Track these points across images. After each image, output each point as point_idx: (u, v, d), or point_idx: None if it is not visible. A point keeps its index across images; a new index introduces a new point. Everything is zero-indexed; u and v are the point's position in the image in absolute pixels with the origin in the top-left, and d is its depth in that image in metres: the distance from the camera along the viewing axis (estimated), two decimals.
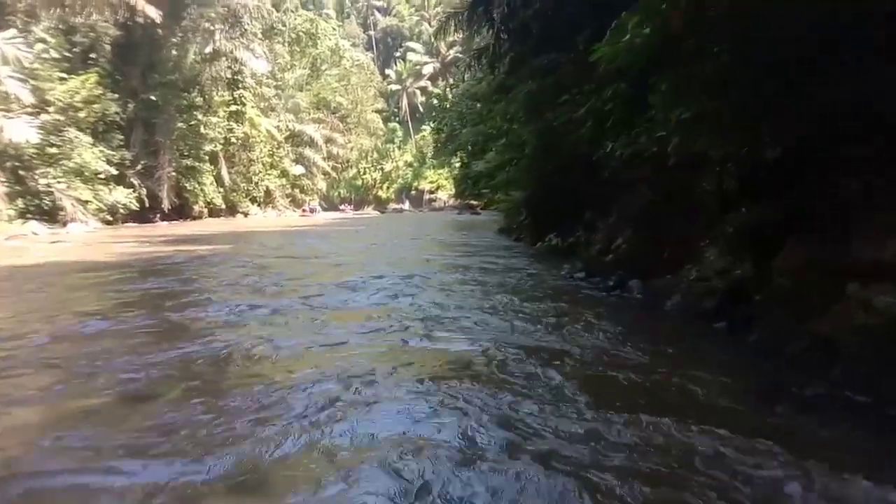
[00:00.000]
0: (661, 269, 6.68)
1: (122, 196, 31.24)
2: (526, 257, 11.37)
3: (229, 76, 41.00)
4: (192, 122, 36.50)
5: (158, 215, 34.83)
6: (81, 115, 28.85)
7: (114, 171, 30.62)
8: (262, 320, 5.97)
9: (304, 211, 56.31)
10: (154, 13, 29.22)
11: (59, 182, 26.73)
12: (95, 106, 29.82)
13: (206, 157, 39.09)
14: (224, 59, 39.27)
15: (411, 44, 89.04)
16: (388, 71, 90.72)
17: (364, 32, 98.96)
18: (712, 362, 4.37)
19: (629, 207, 8.09)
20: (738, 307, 5.19)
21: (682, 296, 5.87)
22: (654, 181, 7.39)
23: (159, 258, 12.97)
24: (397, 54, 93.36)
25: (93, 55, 31.33)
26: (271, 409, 3.42)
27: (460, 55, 72.44)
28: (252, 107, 45.86)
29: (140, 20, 30.20)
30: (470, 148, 33.99)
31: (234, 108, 42.19)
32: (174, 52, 35.45)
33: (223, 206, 41.59)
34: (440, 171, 76.97)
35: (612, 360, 4.35)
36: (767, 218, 5.48)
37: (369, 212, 70.96)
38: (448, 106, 43.15)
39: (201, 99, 37.76)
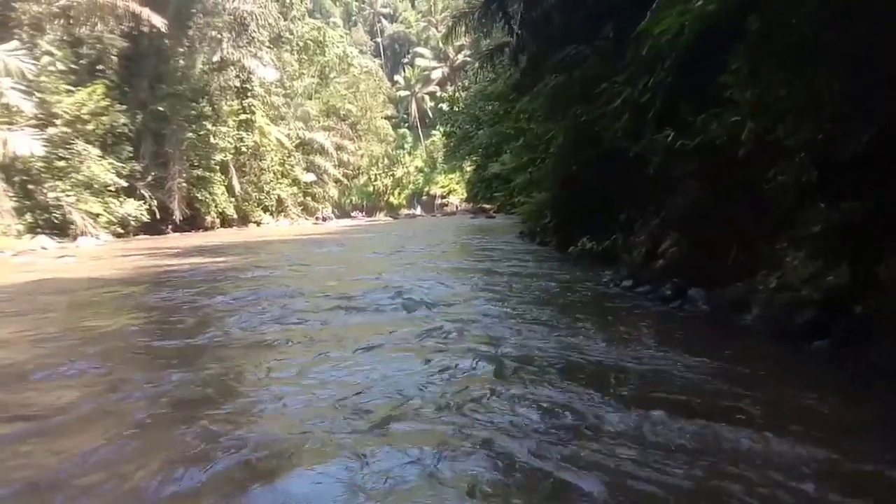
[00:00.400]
0: (727, 275, 5.79)
1: (132, 208, 30.71)
2: (558, 263, 10.47)
3: (238, 85, 40.45)
4: (202, 132, 35.88)
5: (170, 226, 34.30)
6: (89, 127, 28.30)
7: (124, 184, 30.15)
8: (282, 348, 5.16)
9: (316, 219, 55.74)
10: (160, 22, 28.65)
11: (68, 195, 26.17)
12: (103, 118, 29.30)
13: (217, 167, 38.53)
14: (232, 67, 38.74)
15: (419, 49, 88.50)
16: (396, 77, 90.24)
17: (371, 40, 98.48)
18: (826, 391, 3.52)
19: (677, 206, 7.20)
20: (839, 322, 4.32)
21: (763, 308, 4.98)
22: (710, 175, 6.51)
23: (168, 272, 12.20)
24: (405, 60, 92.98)
25: (100, 67, 30.82)
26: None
27: (469, 59, 72.02)
28: (262, 115, 45.29)
29: (146, 30, 29.62)
30: (482, 151, 33.26)
31: (243, 117, 41.58)
32: (181, 62, 34.87)
33: (235, 216, 40.99)
34: (451, 175, 76.47)
35: (711, 397, 3.48)
36: (859, 216, 4.62)
37: (382, 218, 70.27)
38: (460, 108, 42.29)
39: (210, 108, 37.13)
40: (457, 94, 52.27)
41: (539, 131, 13.64)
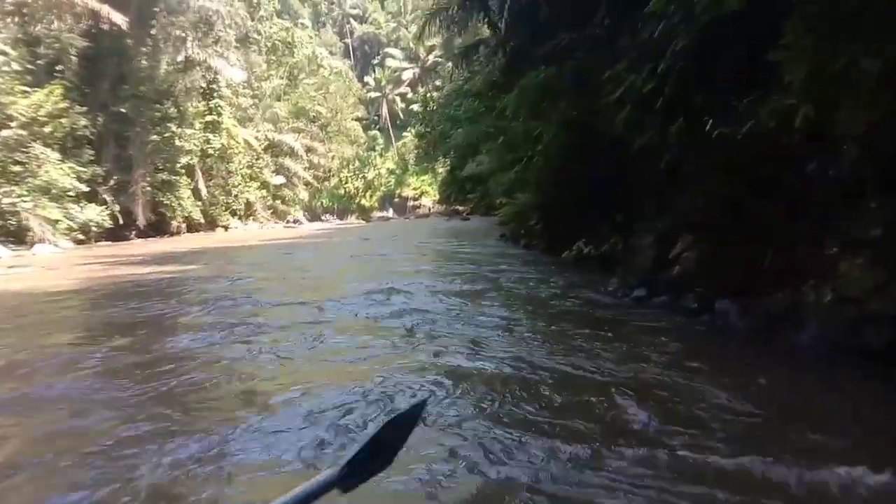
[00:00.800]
0: (761, 284, 5.03)
1: (94, 214, 29.32)
2: (550, 268, 9.61)
3: (204, 86, 39.19)
4: (167, 135, 34.44)
5: (134, 232, 32.93)
6: (47, 129, 26.94)
7: (85, 188, 28.74)
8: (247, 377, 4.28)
9: (288, 222, 54.57)
10: (120, 19, 27.41)
11: (24, 201, 24.78)
12: (63, 120, 27.95)
13: (183, 171, 37.10)
14: (198, 68, 37.42)
15: (390, 50, 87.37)
16: (366, 78, 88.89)
17: (341, 41, 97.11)
18: None
19: (694, 204, 6.43)
20: None
21: (819, 325, 4.22)
22: (738, 168, 5.75)
23: (125, 283, 11.17)
24: (375, 61, 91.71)
25: (59, 67, 29.35)
26: None
27: (440, 59, 71.26)
28: (229, 117, 44.00)
29: (106, 27, 28.28)
30: (457, 151, 32.42)
31: (210, 118, 40.27)
32: (144, 63, 33.38)
33: (202, 221, 39.57)
34: (423, 177, 75.54)
35: (797, 437, 2.70)
36: None
37: (353, 221, 69.08)
38: (434, 108, 41.40)
39: (175, 110, 35.70)
40: (429, 94, 51.38)
41: (523, 129, 12.83)
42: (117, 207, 31.23)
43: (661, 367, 4.03)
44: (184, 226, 37.67)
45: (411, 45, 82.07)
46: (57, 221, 26.68)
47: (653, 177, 7.91)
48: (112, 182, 31.38)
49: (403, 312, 6.29)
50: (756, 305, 4.96)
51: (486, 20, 15.62)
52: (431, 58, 76.18)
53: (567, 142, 9.49)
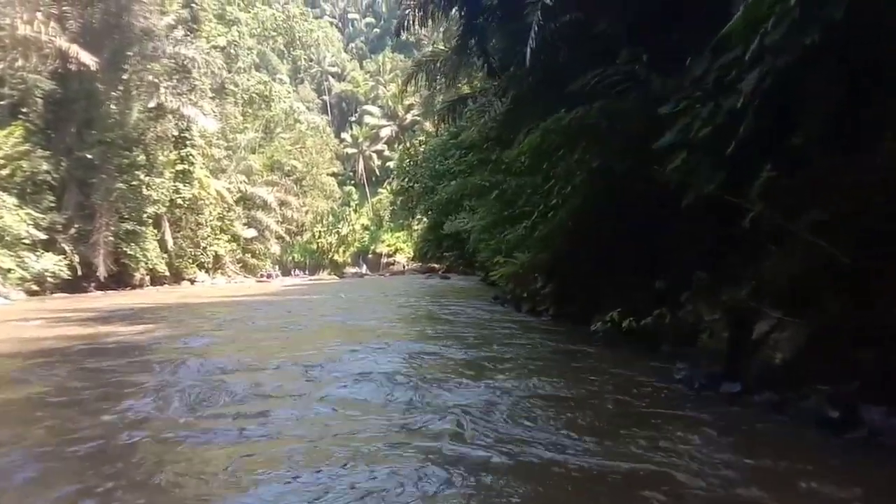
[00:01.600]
0: None
1: (50, 263, 27.27)
2: (575, 342, 8.01)
3: (176, 134, 37.74)
4: (134, 183, 32.64)
5: (93, 284, 30.71)
6: (4, 172, 25.18)
7: (42, 236, 26.85)
8: None
9: (261, 276, 53.03)
10: (90, 60, 25.92)
11: None
12: (23, 163, 26.23)
13: (149, 220, 35.28)
14: (170, 115, 36.00)
15: (368, 107, 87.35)
16: (343, 135, 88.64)
17: (319, 97, 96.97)
18: None
19: (788, 268, 5.00)
20: None
21: None
22: (851, 225, 4.36)
23: (69, 344, 9.34)
24: (353, 118, 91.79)
25: (24, 109, 27.77)
26: None
27: (418, 118, 70.97)
28: (201, 167, 42.43)
29: (74, 68, 26.74)
30: (439, 207, 31.20)
31: (180, 167, 38.64)
32: (114, 107, 31.79)
33: (167, 273, 37.45)
34: (398, 234, 74.71)
35: None
36: None
37: (325, 277, 67.17)
38: (418, 162, 40.33)
39: (145, 158, 33.96)
40: (411, 148, 50.45)
41: (531, 180, 11.50)
42: (77, 258, 29.23)
43: None
44: (147, 278, 35.61)
45: (389, 103, 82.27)
46: (9, 271, 24.67)
47: (711, 235, 6.51)
48: (73, 230, 29.45)
49: (413, 408, 4.68)
50: None
51: (484, 66, 14.48)
52: (410, 116, 76.06)
53: (594, 192, 8.07)
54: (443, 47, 22.02)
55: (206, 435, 4.08)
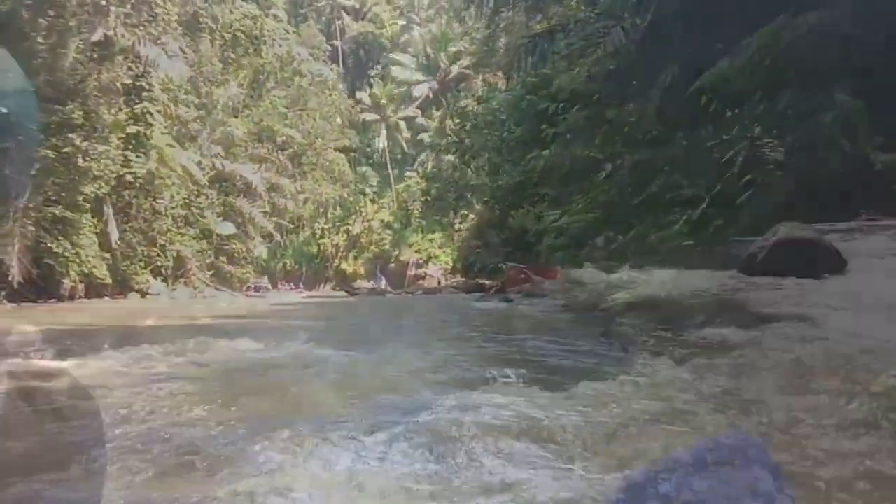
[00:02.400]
0: None
1: None
2: None
3: (129, 83, 37.43)
4: (66, 150, 32.23)
5: (4, 293, 30.32)
6: None
7: None
8: None
9: (249, 290, 53.82)
10: None
11: None
12: None
13: (87, 205, 35.07)
14: (121, 56, 35.53)
15: (396, 55, 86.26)
16: (360, 94, 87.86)
17: (327, 42, 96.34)
18: None
19: None
20: None
21: None
22: None
23: None
24: (373, 72, 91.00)
25: None
26: None
27: (468, 70, 69.95)
28: (162, 132, 41.92)
29: None
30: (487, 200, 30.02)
31: (133, 129, 38.25)
32: (41, 42, 31.38)
33: (108, 281, 37.10)
34: (432, 236, 73.39)
35: None
36: None
37: (329, 292, 66.34)
38: (473, 128, 39.12)
39: (82, 115, 33.53)
40: (468, 107, 48.95)
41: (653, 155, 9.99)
42: None
43: None
44: (81, 286, 35.34)
45: (427, 50, 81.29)
46: None
47: None
48: None
49: None
50: None
51: None
52: (456, 68, 75.00)
53: None
54: None
55: None
